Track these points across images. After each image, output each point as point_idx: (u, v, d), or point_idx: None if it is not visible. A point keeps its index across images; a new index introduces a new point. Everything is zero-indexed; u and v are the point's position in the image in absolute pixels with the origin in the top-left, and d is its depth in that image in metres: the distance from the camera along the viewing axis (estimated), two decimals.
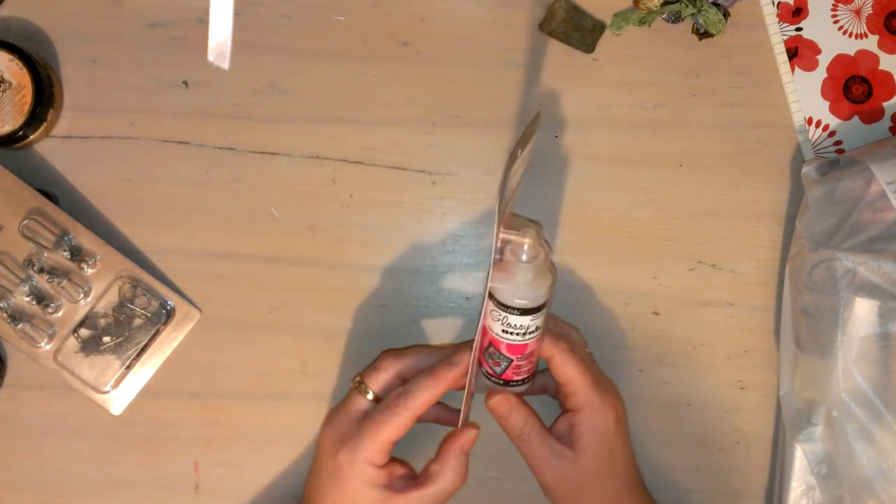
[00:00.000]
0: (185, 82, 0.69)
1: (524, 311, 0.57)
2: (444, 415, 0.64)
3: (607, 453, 0.60)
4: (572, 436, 0.60)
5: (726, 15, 0.69)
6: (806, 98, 0.70)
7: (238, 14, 0.69)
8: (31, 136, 0.67)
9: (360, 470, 0.57)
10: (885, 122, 0.70)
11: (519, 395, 0.61)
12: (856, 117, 0.70)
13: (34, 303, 0.66)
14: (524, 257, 0.56)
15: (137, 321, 0.67)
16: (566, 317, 0.68)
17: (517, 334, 0.58)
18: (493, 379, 0.61)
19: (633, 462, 0.62)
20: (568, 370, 0.60)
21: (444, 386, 0.58)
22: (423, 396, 0.58)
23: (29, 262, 0.66)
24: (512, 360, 0.59)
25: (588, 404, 0.59)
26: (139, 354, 0.67)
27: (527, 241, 0.56)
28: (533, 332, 0.58)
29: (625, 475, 0.60)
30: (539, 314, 0.58)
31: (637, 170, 0.70)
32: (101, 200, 0.69)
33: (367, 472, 0.57)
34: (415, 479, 0.59)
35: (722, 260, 0.70)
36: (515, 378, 0.60)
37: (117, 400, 0.67)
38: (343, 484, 0.57)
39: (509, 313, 0.57)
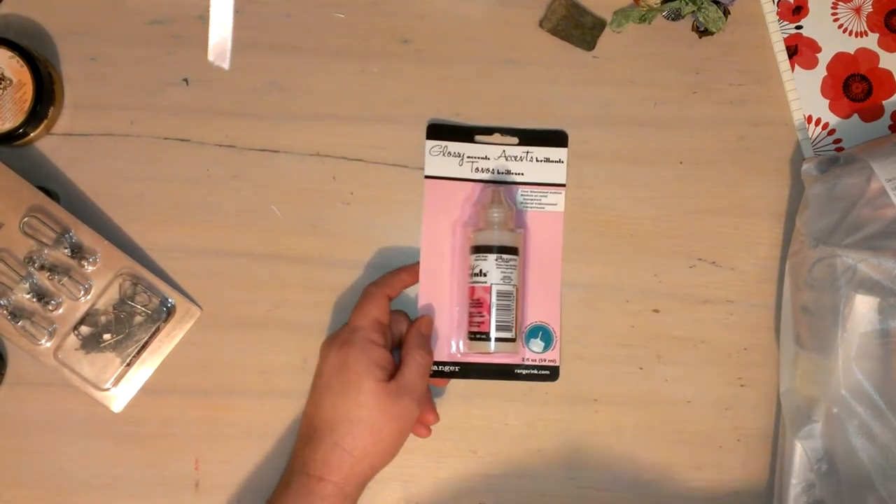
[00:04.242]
0: (185, 80, 0.69)
1: (476, 249, 0.65)
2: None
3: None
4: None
5: (726, 13, 0.69)
6: (806, 96, 0.70)
7: (238, 12, 0.70)
8: (32, 134, 0.67)
9: (360, 348, 0.62)
10: (885, 121, 0.71)
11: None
12: (855, 115, 0.70)
13: (35, 300, 0.66)
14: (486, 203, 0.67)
15: (138, 318, 0.67)
16: (567, 315, 0.68)
17: (470, 275, 0.66)
18: (471, 333, 0.66)
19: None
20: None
21: (408, 273, 0.67)
22: (389, 279, 0.66)
23: (29, 260, 0.66)
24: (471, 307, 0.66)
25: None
26: (139, 352, 0.67)
27: (490, 193, 0.67)
28: (476, 274, 0.65)
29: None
30: (481, 255, 0.65)
31: (637, 167, 0.70)
32: (101, 198, 0.69)
33: (370, 351, 0.62)
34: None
35: (722, 257, 0.70)
36: (472, 329, 0.65)
37: (118, 397, 0.67)
38: (346, 369, 0.62)
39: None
